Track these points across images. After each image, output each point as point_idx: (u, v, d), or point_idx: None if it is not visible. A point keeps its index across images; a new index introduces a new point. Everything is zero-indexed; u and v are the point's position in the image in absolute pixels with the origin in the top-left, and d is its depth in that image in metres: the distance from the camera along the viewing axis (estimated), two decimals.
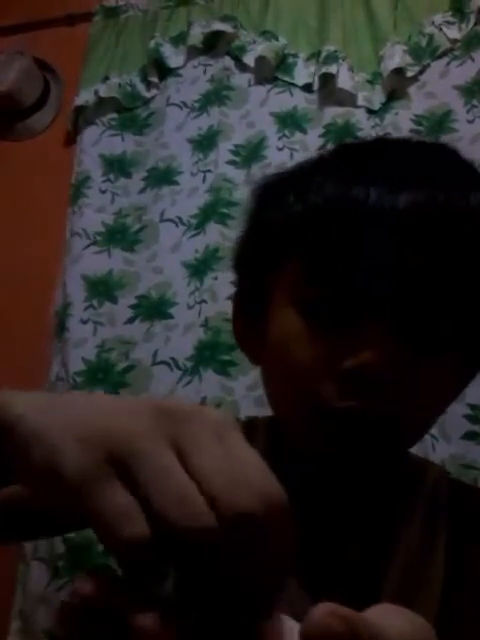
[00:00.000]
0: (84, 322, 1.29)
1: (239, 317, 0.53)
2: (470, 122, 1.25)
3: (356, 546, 0.47)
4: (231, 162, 1.35)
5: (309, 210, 0.44)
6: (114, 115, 1.49)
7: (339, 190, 0.42)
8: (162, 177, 1.38)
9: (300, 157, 0.72)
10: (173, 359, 1.21)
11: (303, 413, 0.43)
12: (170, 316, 1.26)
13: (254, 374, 1.04)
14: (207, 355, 1.17)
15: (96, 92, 1.48)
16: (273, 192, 0.49)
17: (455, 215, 0.41)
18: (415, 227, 0.40)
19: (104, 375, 1.24)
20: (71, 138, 1.53)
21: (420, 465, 0.54)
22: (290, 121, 1.36)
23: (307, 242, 0.43)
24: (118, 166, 1.44)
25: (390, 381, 0.40)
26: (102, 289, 1.32)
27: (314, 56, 1.39)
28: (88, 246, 1.36)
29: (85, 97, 1.49)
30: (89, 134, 1.48)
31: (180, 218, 1.34)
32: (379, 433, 0.42)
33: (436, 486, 0.51)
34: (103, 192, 1.42)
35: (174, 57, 1.48)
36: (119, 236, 1.37)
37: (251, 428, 0.55)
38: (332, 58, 1.34)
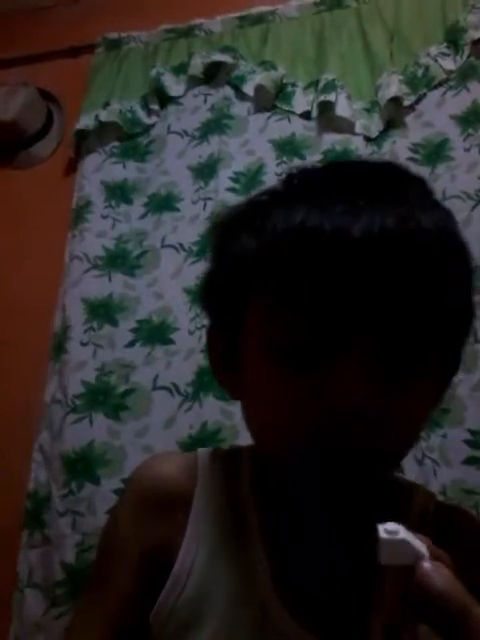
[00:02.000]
0: (84, 344, 1.29)
1: (213, 354, 0.52)
2: (467, 150, 1.27)
3: (345, 571, 0.47)
4: (231, 189, 1.36)
5: (268, 245, 0.43)
6: (116, 143, 1.50)
7: (295, 221, 0.41)
8: (163, 204, 1.40)
9: None
10: (174, 384, 1.21)
11: (286, 451, 0.43)
12: (171, 341, 1.26)
13: None
14: (207, 380, 1.17)
15: (97, 117, 1.50)
16: (230, 230, 0.49)
17: (410, 235, 0.41)
18: (373, 251, 0.39)
19: (104, 398, 1.23)
20: (73, 167, 1.55)
21: (408, 488, 0.54)
22: (289, 148, 1.38)
23: (270, 276, 0.43)
24: (120, 193, 1.45)
25: (372, 412, 0.40)
26: (102, 312, 1.31)
27: (312, 85, 1.42)
28: (88, 270, 1.36)
29: (85, 122, 1.51)
30: (90, 161, 1.50)
31: (181, 244, 1.34)
32: (365, 464, 0.41)
33: (424, 509, 0.52)
34: (104, 217, 1.42)
35: (175, 86, 1.51)
36: (120, 260, 1.37)
37: (236, 456, 0.56)
38: (330, 86, 1.36)
